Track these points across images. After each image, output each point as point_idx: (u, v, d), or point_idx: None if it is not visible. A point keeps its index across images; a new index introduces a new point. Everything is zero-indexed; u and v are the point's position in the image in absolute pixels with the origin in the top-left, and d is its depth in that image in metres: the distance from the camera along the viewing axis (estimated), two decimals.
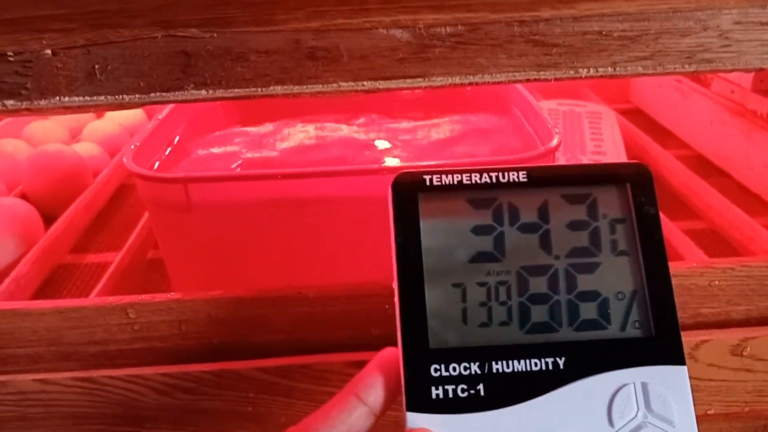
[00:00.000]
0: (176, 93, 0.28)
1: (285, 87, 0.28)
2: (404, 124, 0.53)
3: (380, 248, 0.43)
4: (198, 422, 0.40)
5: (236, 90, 0.28)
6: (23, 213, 0.56)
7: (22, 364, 0.41)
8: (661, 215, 0.25)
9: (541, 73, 0.29)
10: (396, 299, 0.24)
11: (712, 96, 0.69)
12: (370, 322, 0.41)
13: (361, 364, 0.40)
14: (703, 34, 0.29)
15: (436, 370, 0.23)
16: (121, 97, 0.28)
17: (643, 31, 0.29)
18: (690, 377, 0.23)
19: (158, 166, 0.48)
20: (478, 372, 0.22)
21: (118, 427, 0.40)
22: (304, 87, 0.28)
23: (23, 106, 0.28)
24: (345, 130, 0.53)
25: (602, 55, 0.29)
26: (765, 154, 0.59)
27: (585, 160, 0.58)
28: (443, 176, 0.25)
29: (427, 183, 0.25)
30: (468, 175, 0.25)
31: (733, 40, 0.29)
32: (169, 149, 0.49)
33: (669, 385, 0.22)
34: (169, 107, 0.52)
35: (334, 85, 0.28)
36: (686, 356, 0.23)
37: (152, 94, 0.28)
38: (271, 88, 0.28)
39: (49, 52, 0.27)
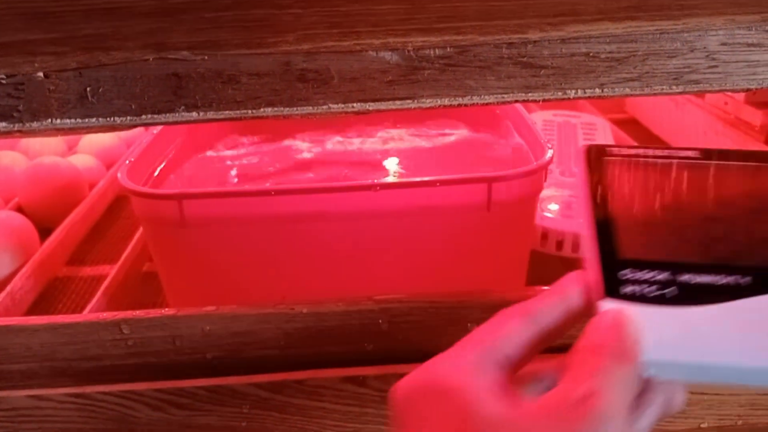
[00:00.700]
0: (167, 115, 0.28)
1: (275, 109, 0.28)
2: (393, 132, 0.54)
3: (373, 264, 0.44)
4: None
5: (227, 112, 0.28)
6: (19, 226, 0.57)
7: (16, 381, 0.41)
8: None
9: (530, 94, 0.29)
10: (587, 222, 0.26)
11: (706, 107, 0.69)
12: (364, 337, 0.41)
13: (354, 380, 0.41)
14: (690, 56, 0.29)
15: (626, 274, 0.25)
16: (112, 119, 0.28)
17: (631, 53, 0.29)
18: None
19: (153, 181, 0.48)
20: (669, 278, 0.25)
21: None
22: (295, 109, 0.28)
23: (15, 129, 0.28)
24: (339, 141, 0.53)
25: (590, 77, 0.29)
26: None
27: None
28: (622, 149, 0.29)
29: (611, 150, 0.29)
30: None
31: (720, 61, 0.29)
32: (165, 163, 0.49)
33: None
34: None
35: (325, 107, 0.28)
36: None
37: (143, 116, 0.28)
38: (262, 110, 0.28)
39: (41, 74, 0.28)
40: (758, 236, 0.27)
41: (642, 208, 0.27)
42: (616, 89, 0.29)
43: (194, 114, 0.28)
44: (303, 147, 0.51)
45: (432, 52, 0.28)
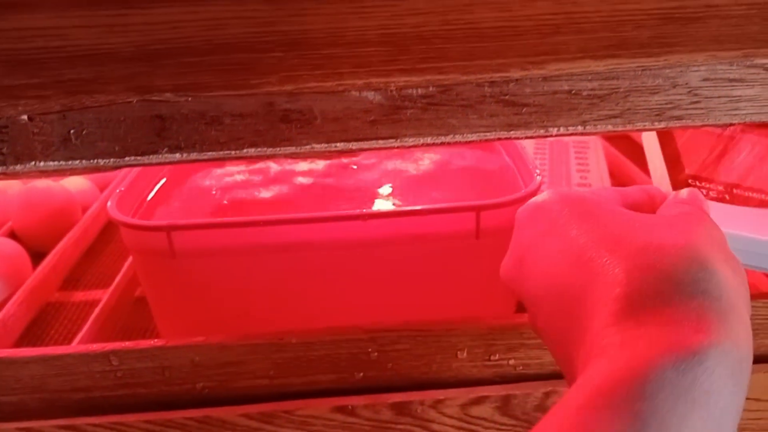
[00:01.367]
0: (151, 156, 0.28)
1: (259, 149, 0.28)
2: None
3: (363, 292, 0.44)
4: None
5: (210, 153, 0.28)
6: (11, 253, 0.57)
7: (6, 413, 0.41)
8: None
9: (512, 132, 0.29)
10: None
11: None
12: (354, 366, 0.41)
13: (344, 409, 0.41)
14: (672, 92, 0.29)
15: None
16: (96, 161, 0.28)
17: (613, 90, 0.29)
18: None
19: (145, 208, 0.48)
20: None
21: None
22: (278, 149, 0.28)
23: None
24: (330, 166, 0.53)
25: (572, 114, 0.29)
26: None
27: None
28: None
29: None
30: None
31: (702, 96, 0.29)
32: (156, 190, 0.50)
33: None
34: None
35: (308, 147, 0.28)
36: None
37: (127, 158, 0.28)
38: (245, 150, 0.28)
39: (25, 117, 0.28)
40: None
41: None
42: (599, 126, 0.29)
43: (177, 155, 0.28)
44: (296, 169, 0.51)
45: (415, 92, 0.28)
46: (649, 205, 0.29)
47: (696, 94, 0.29)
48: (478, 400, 0.40)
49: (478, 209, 0.40)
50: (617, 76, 0.29)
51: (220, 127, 0.28)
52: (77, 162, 0.28)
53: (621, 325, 0.22)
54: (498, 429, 0.40)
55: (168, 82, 0.28)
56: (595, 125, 0.29)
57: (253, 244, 0.41)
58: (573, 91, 0.29)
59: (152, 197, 0.49)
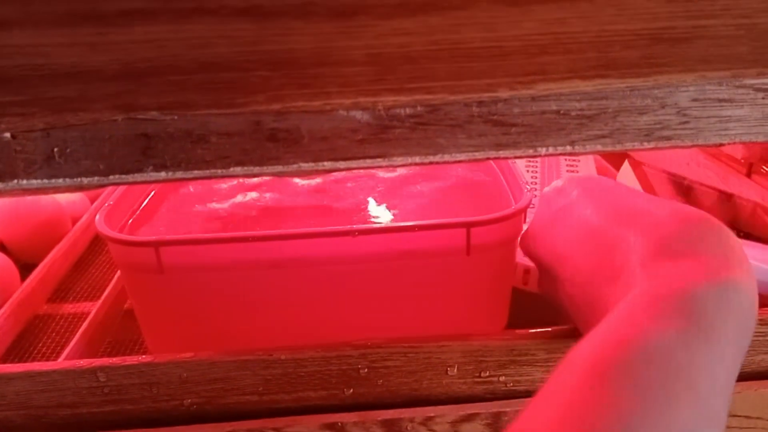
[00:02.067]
0: (135, 175, 0.28)
1: (245, 168, 0.28)
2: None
3: (353, 308, 0.43)
4: None
5: (196, 171, 0.28)
6: None
7: None
8: None
9: (501, 152, 0.29)
10: None
11: None
12: (344, 383, 0.40)
13: (333, 426, 0.40)
14: (661, 112, 0.29)
15: None
16: (79, 180, 0.28)
17: (601, 110, 0.29)
18: None
19: (134, 221, 0.48)
20: None
21: None
22: (265, 168, 0.28)
23: None
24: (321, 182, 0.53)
25: (561, 134, 0.29)
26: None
27: None
28: None
29: None
30: None
31: (691, 117, 0.29)
32: (144, 205, 0.49)
33: None
34: None
35: (295, 166, 0.28)
36: None
37: (111, 177, 0.28)
38: (231, 169, 0.28)
39: (8, 135, 0.27)
40: None
41: None
42: (588, 146, 0.29)
43: (163, 174, 0.28)
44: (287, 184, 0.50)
45: (403, 111, 0.28)
46: None
47: (685, 115, 0.29)
48: (469, 417, 0.40)
49: (468, 225, 0.40)
50: (606, 96, 0.29)
51: (207, 146, 0.28)
52: (61, 180, 0.28)
53: (660, 260, 0.27)
54: None
55: (153, 100, 0.27)
56: (584, 145, 0.29)
57: (242, 260, 0.41)
58: (561, 111, 0.29)
59: (141, 211, 0.49)
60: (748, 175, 0.60)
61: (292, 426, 0.40)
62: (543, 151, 0.29)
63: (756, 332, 0.37)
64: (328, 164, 0.28)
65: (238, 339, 0.42)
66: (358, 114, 0.28)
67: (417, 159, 0.28)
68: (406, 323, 0.43)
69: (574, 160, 0.67)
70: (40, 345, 0.55)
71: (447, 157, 0.28)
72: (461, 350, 0.40)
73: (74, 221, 0.68)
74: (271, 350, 0.39)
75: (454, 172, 0.53)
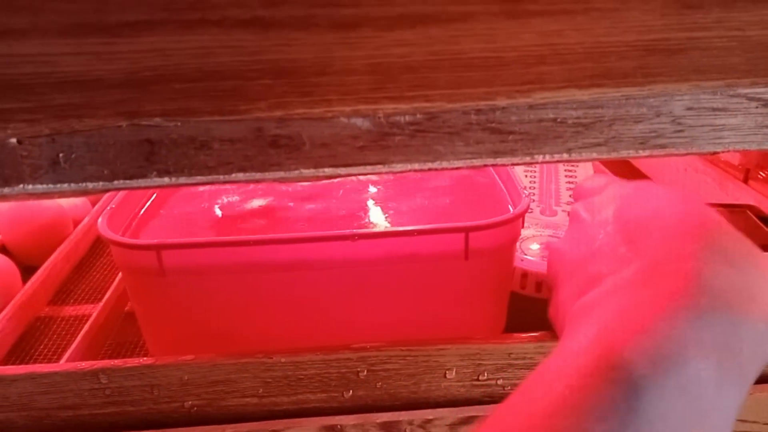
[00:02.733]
0: (139, 180, 0.28)
1: (247, 174, 0.29)
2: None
3: (352, 312, 0.44)
4: None
5: (199, 177, 0.29)
6: (0, 267, 0.56)
7: None
8: None
9: (498, 159, 0.29)
10: None
11: None
12: (343, 386, 0.41)
13: (332, 429, 0.41)
14: (655, 120, 0.30)
15: None
16: (84, 184, 0.28)
17: (597, 118, 0.29)
18: None
19: (137, 223, 0.48)
20: None
21: None
22: (267, 174, 0.29)
23: None
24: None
25: (557, 142, 0.29)
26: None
27: (560, 210, 0.58)
28: None
29: None
30: None
31: (686, 125, 0.30)
32: (145, 208, 0.50)
33: None
34: None
35: (296, 172, 0.29)
36: None
37: (115, 182, 0.28)
38: (234, 175, 0.29)
39: (14, 140, 0.28)
40: None
41: None
42: (584, 153, 0.29)
43: (166, 179, 0.28)
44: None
45: (402, 119, 0.28)
46: None
47: (680, 123, 0.30)
48: (467, 420, 0.40)
49: (467, 230, 0.40)
50: (602, 105, 0.29)
51: (209, 152, 0.28)
52: (66, 185, 0.28)
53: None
54: None
55: (157, 107, 0.28)
56: (580, 153, 0.29)
57: (243, 263, 0.41)
58: (558, 119, 0.29)
59: (143, 213, 0.49)
60: (745, 180, 0.61)
61: (292, 428, 0.40)
62: (540, 158, 0.29)
63: None
64: (328, 170, 0.29)
65: (238, 342, 0.43)
66: (358, 121, 0.28)
67: (416, 165, 0.29)
68: (404, 327, 0.43)
69: (572, 165, 0.67)
70: (42, 347, 0.55)
71: (445, 164, 0.29)
72: (459, 353, 0.40)
73: (76, 224, 0.68)
74: (271, 353, 0.40)
75: (454, 173, 0.53)
